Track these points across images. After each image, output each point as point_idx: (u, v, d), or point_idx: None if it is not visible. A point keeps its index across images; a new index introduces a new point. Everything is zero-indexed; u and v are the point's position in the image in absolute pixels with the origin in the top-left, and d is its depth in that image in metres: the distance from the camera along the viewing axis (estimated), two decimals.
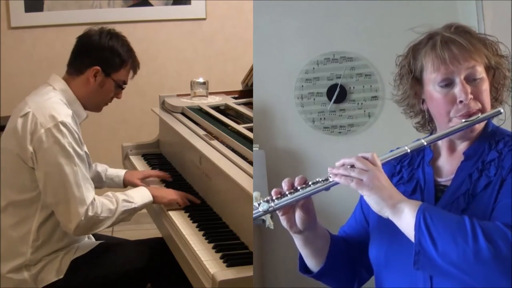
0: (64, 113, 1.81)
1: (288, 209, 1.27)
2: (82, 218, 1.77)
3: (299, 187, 1.23)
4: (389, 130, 2.84)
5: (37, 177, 1.80)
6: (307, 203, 1.27)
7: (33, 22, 3.40)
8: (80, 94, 1.95)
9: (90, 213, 1.79)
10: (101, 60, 1.94)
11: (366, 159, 1.19)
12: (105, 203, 1.84)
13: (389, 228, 1.16)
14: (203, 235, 1.74)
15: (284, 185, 1.25)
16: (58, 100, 1.87)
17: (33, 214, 1.84)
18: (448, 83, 1.25)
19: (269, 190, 3.00)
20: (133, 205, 1.90)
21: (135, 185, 2.21)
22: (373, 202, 1.15)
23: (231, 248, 1.64)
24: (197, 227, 1.81)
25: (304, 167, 3.07)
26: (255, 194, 2.31)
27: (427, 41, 1.29)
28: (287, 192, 1.24)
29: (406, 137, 1.41)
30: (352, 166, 1.18)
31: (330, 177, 1.21)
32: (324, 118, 3.06)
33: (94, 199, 1.82)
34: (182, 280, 1.73)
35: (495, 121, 1.34)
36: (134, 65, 2.03)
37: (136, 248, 2.02)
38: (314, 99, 3.07)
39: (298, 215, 1.28)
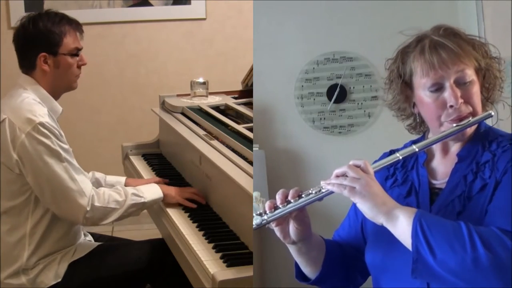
0: (40, 113, 1.78)
1: (282, 221, 1.27)
2: (88, 209, 1.78)
3: (292, 200, 1.23)
4: (389, 130, 2.81)
5: (29, 182, 1.79)
6: (301, 215, 1.27)
7: None
8: (47, 85, 1.89)
9: (97, 204, 1.80)
10: (40, 45, 1.86)
11: (358, 167, 1.19)
12: (112, 195, 1.85)
13: (386, 234, 1.16)
14: (203, 235, 1.74)
15: (278, 197, 1.24)
16: (32, 101, 1.83)
17: (26, 219, 1.84)
18: (438, 88, 1.25)
19: (269, 190, 3.00)
20: (143, 200, 1.90)
21: None
22: (366, 209, 1.15)
23: (231, 248, 1.64)
24: (197, 227, 1.81)
25: (304, 167, 3.07)
26: (255, 194, 2.31)
27: (416, 44, 1.29)
28: (280, 206, 1.23)
29: (406, 137, 1.41)
30: (345, 175, 1.18)
31: (322, 187, 1.21)
32: (324, 118, 3.06)
33: (99, 189, 1.83)
34: (182, 280, 1.73)
35: (493, 122, 1.34)
36: (74, 27, 1.91)
37: (135, 249, 2.01)
38: (314, 99, 3.07)
39: (292, 226, 1.27)
